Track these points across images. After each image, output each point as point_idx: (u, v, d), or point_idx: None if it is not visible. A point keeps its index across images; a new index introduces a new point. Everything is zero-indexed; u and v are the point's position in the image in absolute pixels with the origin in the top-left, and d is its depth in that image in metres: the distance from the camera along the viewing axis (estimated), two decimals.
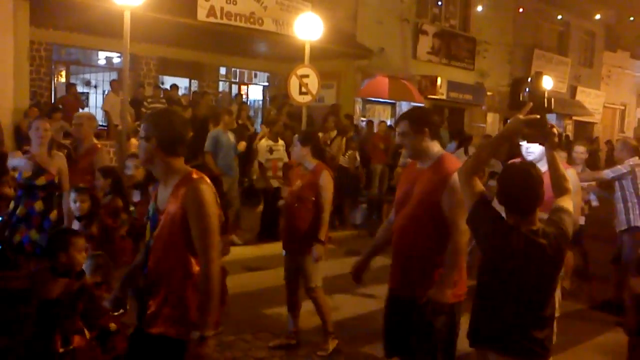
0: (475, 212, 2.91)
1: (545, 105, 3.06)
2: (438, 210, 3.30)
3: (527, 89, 3.19)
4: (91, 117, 6.10)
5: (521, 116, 2.88)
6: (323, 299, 5.00)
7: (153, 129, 2.74)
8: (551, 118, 22.31)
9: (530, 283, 2.79)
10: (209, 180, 2.77)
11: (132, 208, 5.28)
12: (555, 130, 3.04)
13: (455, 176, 3.15)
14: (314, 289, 4.96)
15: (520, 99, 3.20)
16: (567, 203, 2.97)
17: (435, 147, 3.47)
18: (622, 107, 28.61)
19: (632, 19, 23.76)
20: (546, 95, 3.12)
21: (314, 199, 4.91)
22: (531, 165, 2.98)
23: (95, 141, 5.75)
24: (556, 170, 3.05)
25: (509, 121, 3.01)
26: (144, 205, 4.72)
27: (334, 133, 11.25)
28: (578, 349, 5.43)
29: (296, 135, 5.44)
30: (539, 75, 3.30)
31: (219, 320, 2.85)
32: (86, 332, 3.48)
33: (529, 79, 3.28)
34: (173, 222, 2.66)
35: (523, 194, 2.80)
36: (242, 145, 9.37)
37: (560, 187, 3.03)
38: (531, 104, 2.96)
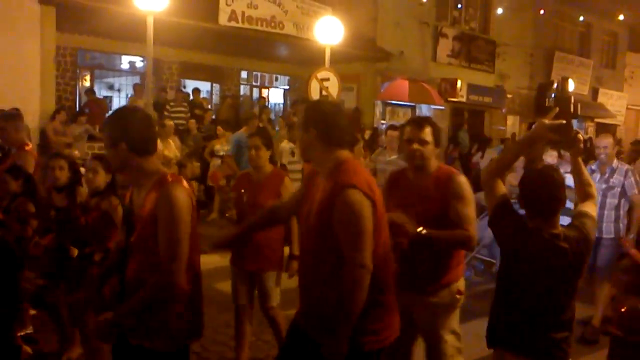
0: (497, 215, 2.92)
1: (572, 110, 3.01)
2: (331, 232, 2.56)
3: (553, 94, 3.14)
4: (14, 116, 5.35)
5: (547, 121, 2.84)
6: (282, 318, 4.39)
7: (119, 133, 2.54)
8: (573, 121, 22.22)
9: (551, 286, 2.80)
10: (185, 184, 2.61)
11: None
12: (580, 136, 2.99)
13: (353, 192, 2.50)
14: (274, 308, 4.42)
15: (546, 104, 3.14)
16: (591, 208, 3.00)
17: (336, 152, 2.67)
18: None
19: None
20: (572, 100, 3.08)
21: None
22: (553, 169, 3.00)
23: (26, 141, 5.25)
24: (580, 175, 3.07)
25: (534, 126, 2.99)
26: (68, 211, 4.22)
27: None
28: None
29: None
30: (565, 80, 3.31)
31: (200, 329, 2.73)
32: None
33: (555, 84, 3.28)
34: (147, 230, 2.51)
35: (545, 198, 2.81)
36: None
37: (584, 193, 3.06)
38: (557, 109, 2.91)
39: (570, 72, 20.51)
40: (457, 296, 3.48)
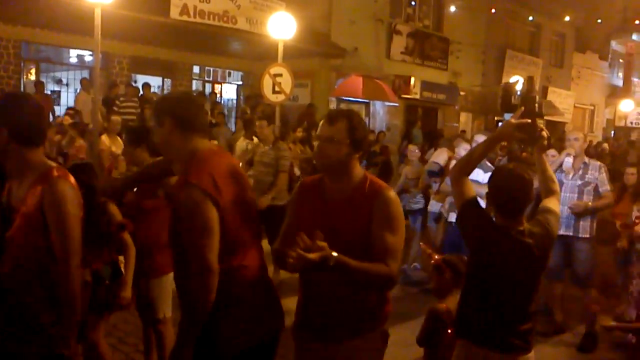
0: (466, 213, 2.96)
1: (537, 109, 3.10)
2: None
3: (518, 92, 3.24)
4: None
5: (513, 120, 2.92)
6: (171, 335, 3.89)
7: (1, 118, 2.39)
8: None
9: (517, 281, 2.88)
10: (72, 179, 2.48)
11: None
12: (544, 133, 3.06)
13: (191, 190, 2.37)
14: (161, 320, 4.04)
15: (512, 101, 3.22)
16: (554, 204, 3.07)
17: (192, 140, 2.52)
18: (592, 108, 29.12)
19: (599, 21, 24.23)
20: (537, 100, 3.16)
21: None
22: (521, 168, 3.04)
23: None
24: (544, 172, 3.15)
25: (500, 124, 3.08)
26: None
27: (300, 133, 11.31)
28: None
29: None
30: (531, 79, 3.37)
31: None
32: None
33: (511, 82, 3.34)
34: (30, 225, 2.38)
35: (513, 196, 2.88)
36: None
37: (547, 189, 3.13)
38: (523, 108, 3.05)
39: (521, 71, 20.98)
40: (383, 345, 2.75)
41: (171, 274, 3.56)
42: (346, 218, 2.56)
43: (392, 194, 2.61)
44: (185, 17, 11.54)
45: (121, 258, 3.86)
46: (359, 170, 2.65)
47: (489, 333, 2.88)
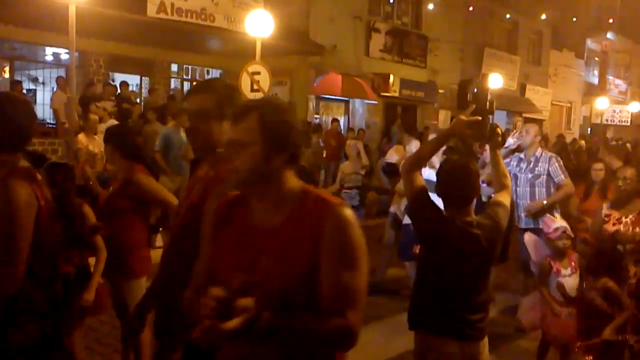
0: (415, 205, 3.06)
1: (487, 107, 3.23)
2: None
3: (475, 89, 3.34)
4: None
5: (464, 117, 2.99)
6: (148, 337, 3.67)
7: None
8: (501, 115, 22.84)
9: (465, 271, 2.95)
10: (25, 183, 2.35)
11: None
12: (499, 130, 3.18)
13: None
14: None
15: (468, 99, 3.35)
16: (505, 198, 3.17)
17: None
18: (569, 105, 29.48)
19: (575, 19, 24.52)
20: (489, 97, 3.30)
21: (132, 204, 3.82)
22: (468, 160, 3.14)
23: None
24: (497, 167, 3.26)
25: (452, 122, 3.17)
26: None
27: None
28: None
29: None
30: (484, 77, 3.49)
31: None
32: None
33: (473, 80, 3.44)
34: None
35: (460, 188, 2.96)
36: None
37: (500, 183, 3.25)
38: (474, 105, 3.09)
39: (499, 68, 21.14)
40: None
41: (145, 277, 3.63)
42: (282, 253, 1.81)
43: (348, 212, 1.84)
44: (162, 15, 11.44)
45: (92, 260, 3.83)
46: (294, 182, 1.90)
47: (442, 322, 2.94)
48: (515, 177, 5.80)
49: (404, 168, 3.16)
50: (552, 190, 5.80)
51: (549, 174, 5.76)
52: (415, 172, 3.09)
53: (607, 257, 4.13)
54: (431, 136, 6.29)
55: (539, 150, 5.96)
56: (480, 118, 3.00)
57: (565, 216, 5.35)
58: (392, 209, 7.02)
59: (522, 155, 5.95)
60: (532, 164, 5.82)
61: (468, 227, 2.92)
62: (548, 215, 5.12)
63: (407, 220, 6.15)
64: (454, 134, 3.16)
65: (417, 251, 3.76)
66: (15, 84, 12.39)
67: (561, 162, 5.85)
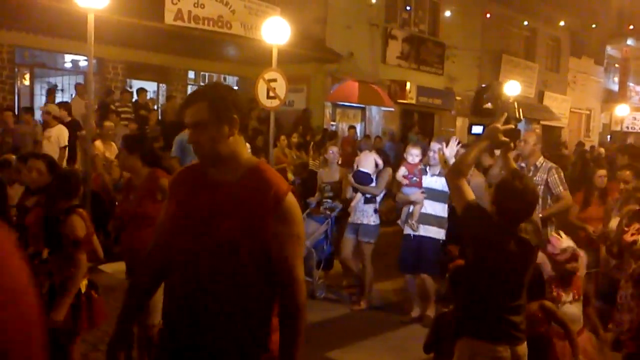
0: (468, 215, 3.11)
1: (517, 115, 3.36)
2: None
3: (493, 96, 3.50)
4: None
5: (499, 125, 3.11)
6: None
7: None
8: (520, 123, 22.70)
9: (517, 276, 3.09)
10: None
11: None
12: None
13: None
14: (152, 327, 3.94)
15: (483, 105, 3.49)
16: None
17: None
18: (588, 112, 29.19)
19: (594, 26, 24.29)
20: (517, 106, 3.40)
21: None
22: (528, 179, 3.29)
23: None
24: (510, 169, 3.42)
25: (486, 129, 3.28)
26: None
27: (295, 138, 11.29)
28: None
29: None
30: (500, 85, 3.58)
31: None
32: None
33: (489, 87, 3.51)
34: None
35: (523, 209, 3.07)
36: None
37: None
38: (506, 114, 3.22)
39: (517, 75, 20.98)
40: None
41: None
42: (232, 207, 2.10)
43: (291, 196, 2.16)
44: (179, 22, 11.52)
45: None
46: (247, 155, 2.22)
47: (494, 327, 3.03)
48: None
49: (449, 176, 3.29)
50: (548, 201, 5.67)
51: (547, 185, 5.64)
52: (462, 180, 3.16)
53: None
54: (452, 143, 6.07)
55: (541, 159, 5.82)
56: (513, 126, 3.14)
57: (566, 225, 5.23)
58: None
59: (523, 164, 5.84)
60: (531, 172, 5.68)
61: (519, 232, 3.05)
62: (554, 234, 4.74)
63: (408, 230, 6.02)
64: (490, 141, 3.21)
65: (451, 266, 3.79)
66: (51, 92, 12.45)
67: (561, 174, 5.71)
